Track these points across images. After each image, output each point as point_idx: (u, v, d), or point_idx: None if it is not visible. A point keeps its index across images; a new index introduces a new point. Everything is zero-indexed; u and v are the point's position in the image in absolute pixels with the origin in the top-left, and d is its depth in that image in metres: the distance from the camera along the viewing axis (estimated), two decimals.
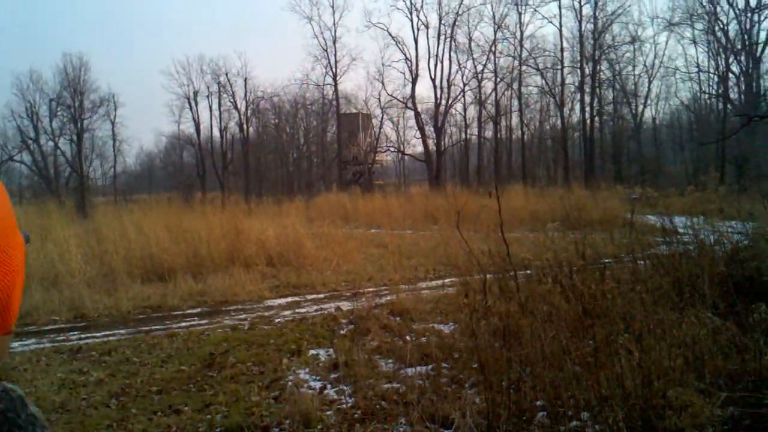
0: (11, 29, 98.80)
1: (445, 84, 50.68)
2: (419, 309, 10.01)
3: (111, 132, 60.19)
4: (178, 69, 58.15)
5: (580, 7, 46.40)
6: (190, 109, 58.47)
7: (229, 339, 9.04)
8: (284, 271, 14.76)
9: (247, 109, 58.50)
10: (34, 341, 9.60)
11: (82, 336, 9.80)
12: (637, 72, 49.10)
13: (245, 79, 57.22)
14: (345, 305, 10.79)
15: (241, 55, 79.95)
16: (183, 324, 10.36)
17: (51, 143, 57.57)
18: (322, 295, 12.47)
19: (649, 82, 49.10)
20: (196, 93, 57.96)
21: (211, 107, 58.74)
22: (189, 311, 11.52)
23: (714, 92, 44.69)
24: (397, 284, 12.17)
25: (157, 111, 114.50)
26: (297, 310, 11.07)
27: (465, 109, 54.02)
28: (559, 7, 47.32)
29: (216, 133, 60.18)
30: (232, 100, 58.11)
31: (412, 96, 51.39)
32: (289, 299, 12.23)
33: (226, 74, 57.30)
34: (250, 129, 60.62)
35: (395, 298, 10.69)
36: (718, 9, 42.27)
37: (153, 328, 10.13)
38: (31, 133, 56.91)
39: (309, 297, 12.32)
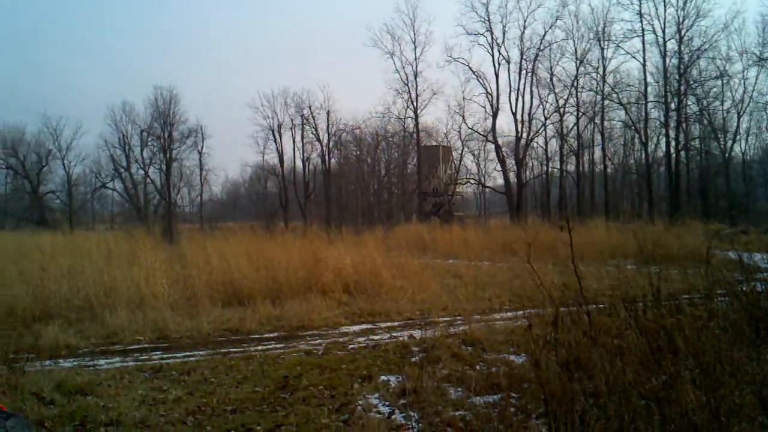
0: (106, 64, 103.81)
1: (526, 118, 50.64)
2: (492, 339, 9.98)
3: (198, 162, 62.62)
4: (263, 102, 60.34)
5: (665, 42, 45.73)
6: (274, 140, 60.18)
7: (303, 363, 9.25)
8: (360, 299, 14.95)
9: (329, 140, 59.76)
10: (119, 359, 10.02)
11: (164, 356, 10.17)
12: (725, 107, 47.88)
13: (328, 112, 58.54)
14: (418, 334, 10.84)
15: (324, 89, 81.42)
16: (260, 347, 10.63)
17: (141, 172, 60.35)
18: (396, 324, 12.56)
19: (739, 117, 47.83)
20: (280, 125, 59.67)
21: (294, 139, 60.36)
22: (266, 335, 11.82)
23: None
24: (471, 314, 12.18)
25: (243, 142, 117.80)
26: (370, 337, 11.20)
27: (546, 143, 53.82)
28: (643, 43, 46.81)
29: (299, 163, 61.85)
30: (314, 132, 59.47)
31: (493, 129, 51.46)
32: (364, 326, 12.39)
33: (309, 107, 58.85)
34: (332, 160, 61.85)
35: (468, 328, 10.71)
36: None
37: (231, 350, 10.44)
38: (123, 162, 59.73)
39: (383, 325, 12.40)
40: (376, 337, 11.15)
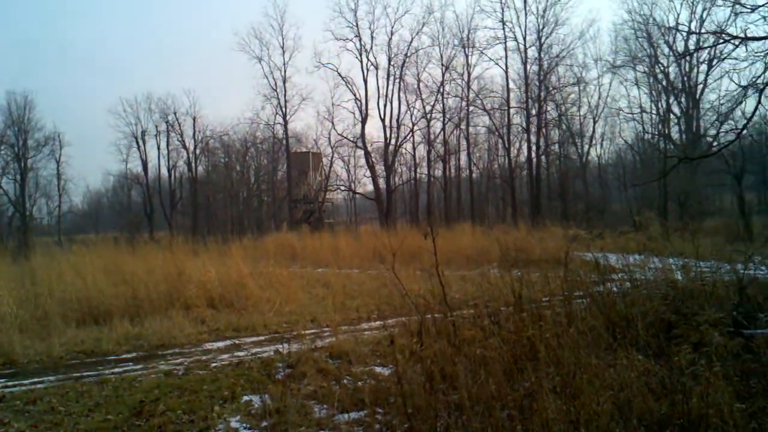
0: None
1: (394, 123, 51.25)
2: (359, 351, 9.85)
3: (56, 171, 59.28)
4: (125, 108, 58.08)
5: (525, 49, 47.51)
6: (138, 148, 58.23)
7: (161, 385, 8.77)
8: (225, 312, 14.50)
9: (195, 147, 58.25)
10: None
11: (9, 384, 9.40)
12: (582, 113, 50.26)
13: (194, 118, 57.30)
14: (284, 348, 10.56)
15: (190, 94, 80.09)
16: (116, 370, 10.03)
17: None
18: (262, 338, 12.23)
19: (594, 123, 50.34)
20: (143, 132, 57.80)
21: (159, 146, 58.64)
22: (124, 356, 11.16)
23: (656, 132, 45.78)
24: (339, 325, 12.01)
25: (105, 150, 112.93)
26: (235, 354, 10.81)
27: (414, 149, 54.62)
28: (505, 50, 48.40)
29: (164, 171, 59.73)
30: (180, 139, 57.96)
31: (362, 135, 51.85)
32: (229, 342, 11.93)
33: (175, 113, 57.43)
34: (200, 168, 60.34)
35: (335, 340, 10.53)
36: (659, 52, 43.52)
37: (84, 374, 9.79)
38: None
39: (249, 340, 12.06)
40: (241, 354, 10.79)
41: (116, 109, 58.77)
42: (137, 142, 58.11)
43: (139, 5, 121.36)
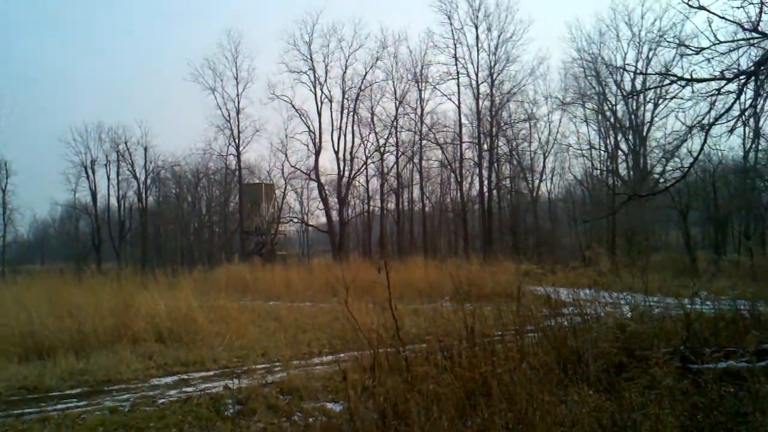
0: None
1: (348, 156, 51.56)
2: (310, 387, 9.71)
3: (1, 200, 57.73)
4: (75, 137, 56.98)
5: (478, 85, 48.36)
6: (87, 177, 57.09)
7: (106, 422, 8.53)
8: (174, 347, 14.18)
9: (146, 178, 57.54)
10: None
11: None
12: (532, 148, 51.06)
13: (145, 148, 56.63)
14: (234, 383, 10.37)
15: (141, 124, 79.16)
16: (59, 406, 9.71)
17: None
18: (211, 373, 11.98)
19: (544, 158, 51.13)
20: (93, 161, 56.73)
21: (109, 176, 57.59)
22: (68, 392, 10.81)
23: (605, 168, 46.73)
24: (291, 360, 11.87)
25: (53, 179, 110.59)
26: (184, 390, 10.56)
27: (368, 181, 54.86)
28: (458, 85, 49.25)
29: (114, 202, 58.77)
30: (131, 169, 57.14)
31: (316, 168, 51.96)
32: (177, 378, 11.66)
33: (126, 143, 56.72)
34: (150, 198, 59.56)
35: (286, 376, 10.39)
36: (607, 90, 44.61)
37: (25, 411, 9.47)
38: None
39: (198, 375, 11.82)
40: (189, 389, 10.55)
41: (66, 137, 57.78)
42: (86, 172, 57.03)
43: (91, 33, 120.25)
